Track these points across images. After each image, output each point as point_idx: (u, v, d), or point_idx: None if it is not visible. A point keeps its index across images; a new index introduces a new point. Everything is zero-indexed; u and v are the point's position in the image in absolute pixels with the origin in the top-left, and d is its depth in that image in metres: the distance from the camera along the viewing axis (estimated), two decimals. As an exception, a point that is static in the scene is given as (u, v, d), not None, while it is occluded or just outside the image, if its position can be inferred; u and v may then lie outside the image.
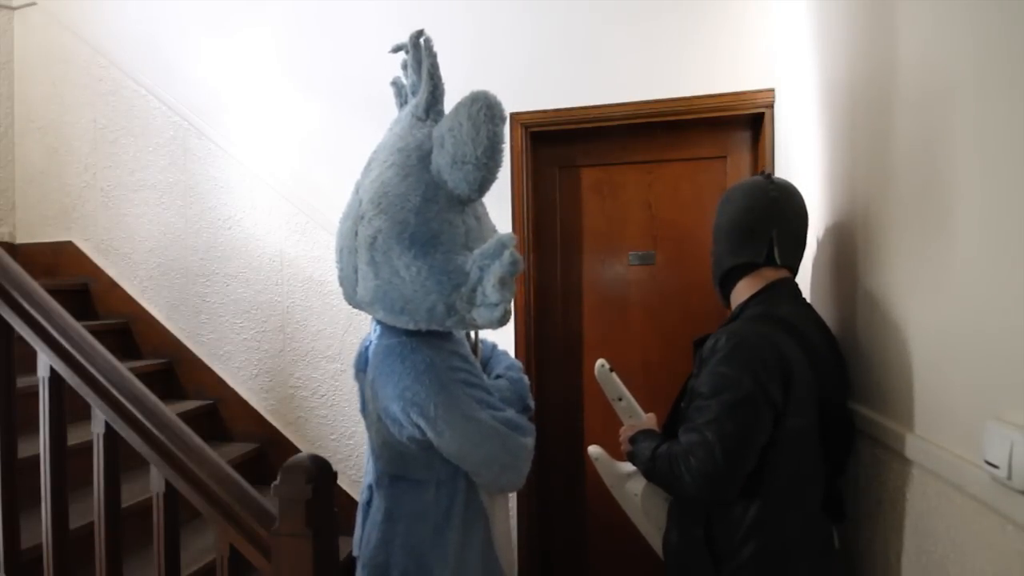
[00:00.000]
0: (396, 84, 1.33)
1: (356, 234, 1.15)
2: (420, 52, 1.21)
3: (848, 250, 1.27)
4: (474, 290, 1.08)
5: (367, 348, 1.25)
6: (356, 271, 1.16)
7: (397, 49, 1.27)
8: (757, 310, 1.13)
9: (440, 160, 1.10)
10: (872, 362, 1.13)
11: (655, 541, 1.28)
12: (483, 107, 1.04)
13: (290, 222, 2.39)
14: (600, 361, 1.39)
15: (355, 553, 1.23)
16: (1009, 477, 0.68)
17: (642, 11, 2.04)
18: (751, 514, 1.05)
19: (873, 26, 1.13)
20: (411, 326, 1.12)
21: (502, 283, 1.05)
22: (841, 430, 1.13)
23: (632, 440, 1.24)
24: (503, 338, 2.15)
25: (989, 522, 0.75)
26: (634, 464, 1.24)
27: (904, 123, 1.00)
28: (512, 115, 2.13)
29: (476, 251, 1.09)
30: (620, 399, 1.36)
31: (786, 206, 1.18)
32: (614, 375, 1.37)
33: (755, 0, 1.95)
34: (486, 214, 1.26)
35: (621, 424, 1.35)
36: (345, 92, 2.32)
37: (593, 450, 1.36)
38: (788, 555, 1.04)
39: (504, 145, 1.09)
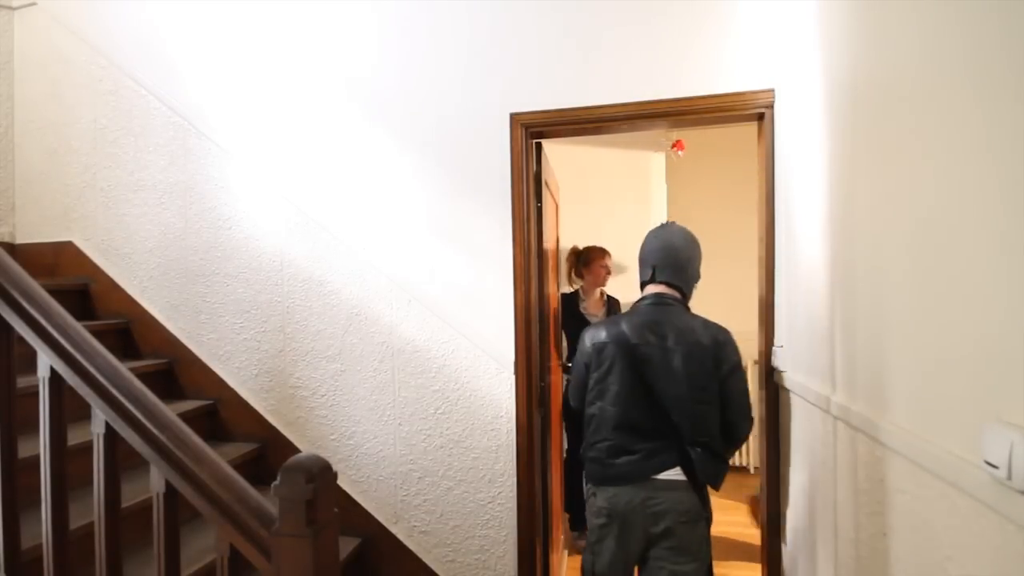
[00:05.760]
0: None
1: None
2: None
3: (848, 250, 1.26)
4: None
5: None
6: None
7: None
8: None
9: None
10: (873, 362, 1.13)
11: None
12: None
13: (290, 222, 2.39)
14: None
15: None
16: (1009, 477, 0.68)
17: (643, 11, 2.04)
18: None
19: (875, 26, 1.13)
20: None
21: None
22: None
23: None
24: (504, 332, 2.15)
25: (989, 522, 0.75)
26: None
27: (906, 123, 1.00)
28: (512, 115, 2.13)
29: None
30: None
31: None
32: None
33: (755, 1, 1.95)
34: None
35: None
36: (346, 92, 2.32)
37: None
38: None
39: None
